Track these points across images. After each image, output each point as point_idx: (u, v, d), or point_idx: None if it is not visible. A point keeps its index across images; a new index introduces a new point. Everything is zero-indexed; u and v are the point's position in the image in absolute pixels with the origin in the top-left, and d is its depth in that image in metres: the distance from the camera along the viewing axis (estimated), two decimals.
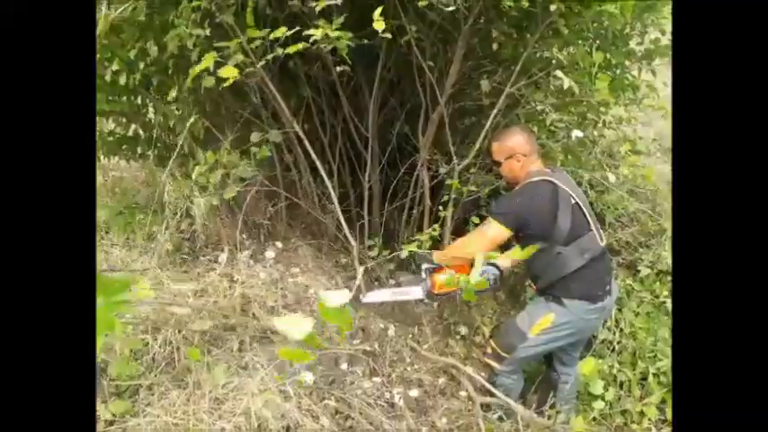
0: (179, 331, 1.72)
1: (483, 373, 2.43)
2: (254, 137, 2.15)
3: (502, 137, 2.23)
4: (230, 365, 1.76)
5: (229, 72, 1.76)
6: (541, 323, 2.08)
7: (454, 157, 2.59)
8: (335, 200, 2.55)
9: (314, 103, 2.80)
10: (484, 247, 2.08)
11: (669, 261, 2.73)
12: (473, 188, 2.62)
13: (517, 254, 2.21)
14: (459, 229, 2.89)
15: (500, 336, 2.28)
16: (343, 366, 1.95)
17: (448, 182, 2.62)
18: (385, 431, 1.73)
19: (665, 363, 2.45)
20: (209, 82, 1.94)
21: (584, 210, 2.09)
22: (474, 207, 2.96)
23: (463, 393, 2.34)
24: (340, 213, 2.63)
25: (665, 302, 2.65)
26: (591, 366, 1.85)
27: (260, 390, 1.62)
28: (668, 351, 2.49)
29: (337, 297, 1.08)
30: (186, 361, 1.65)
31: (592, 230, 2.08)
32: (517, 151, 2.14)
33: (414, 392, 2.14)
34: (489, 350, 2.28)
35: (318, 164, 2.54)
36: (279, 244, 2.72)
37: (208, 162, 2.13)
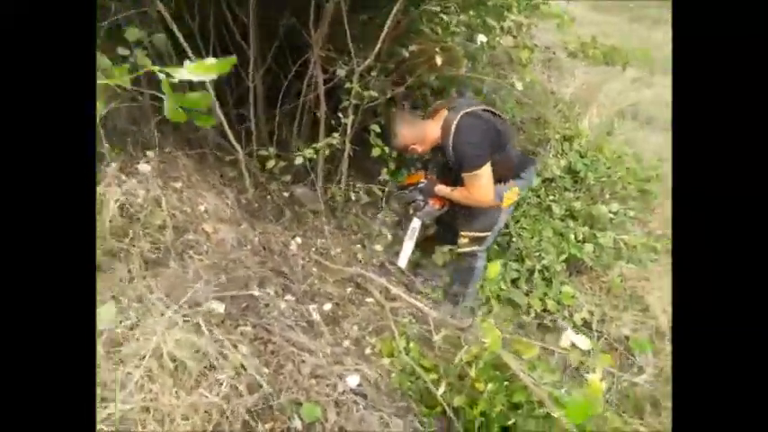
0: None
1: (385, 279, 2.50)
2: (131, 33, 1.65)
3: (393, 139, 2.55)
4: (120, 300, 1.48)
5: None
6: (509, 195, 2.47)
7: (353, 57, 2.36)
8: (214, 97, 2.19)
9: None
10: (491, 193, 2.39)
11: (554, 170, 3.00)
12: (374, 93, 2.45)
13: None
14: (359, 137, 2.74)
15: (474, 221, 2.57)
16: (255, 291, 1.78)
17: (347, 85, 2.41)
18: (308, 350, 1.65)
19: (548, 259, 2.74)
20: None
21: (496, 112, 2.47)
22: (373, 115, 2.80)
23: (371, 300, 2.37)
24: (221, 115, 2.28)
25: (549, 206, 2.93)
26: (496, 269, 2.00)
27: (166, 328, 1.39)
28: (551, 249, 2.77)
29: None
30: None
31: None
32: (410, 142, 2.51)
33: (327, 306, 2.07)
34: (464, 240, 2.59)
35: (190, 53, 2.12)
36: (151, 153, 2.29)
37: None
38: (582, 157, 3.15)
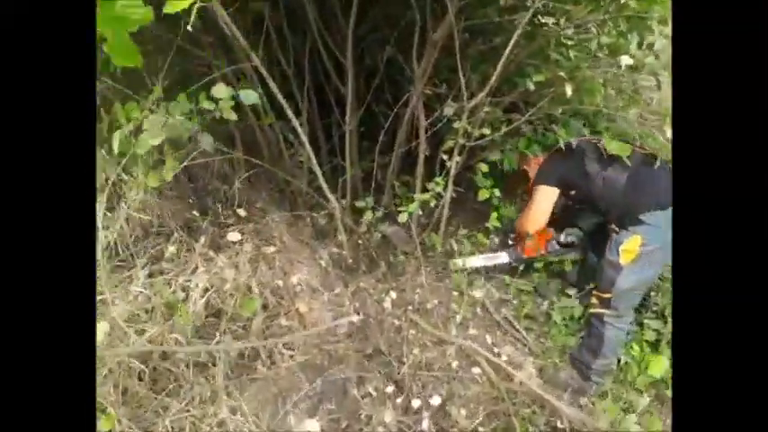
0: None
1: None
2: (219, 90, 1.44)
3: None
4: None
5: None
6: (628, 248, 1.99)
7: (464, 91, 1.99)
8: (309, 148, 1.95)
9: (272, 25, 2.07)
10: (546, 214, 2.18)
11: None
12: (485, 131, 2.07)
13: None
14: (462, 178, 2.38)
15: (599, 281, 2.18)
16: (353, 392, 1.50)
17: (456, 124, 2.05)
18: None
19: None
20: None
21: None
22: (479, 151, 2.43)
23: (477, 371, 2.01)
24: (316, 165, 2.03)
25: None
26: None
27: None
28: None
29: None
30: None
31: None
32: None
33: (435, 400, 1.74)
34: (594, 300, 2.20)
35: (283, 102, 1.88)
36: (242, 212, 2.12)
37: (128, 118, 1.43)
38: None
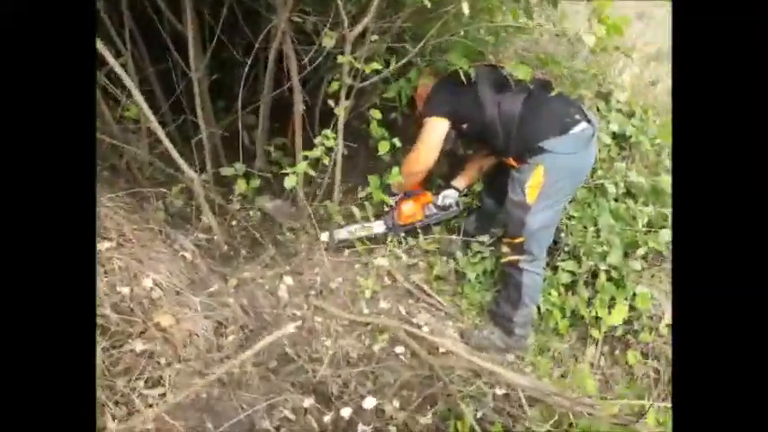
0: None
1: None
2: None
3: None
4: None
5: None
6: (533, 182, 1.84)
7: (343, 16, 1.57)
8: (142, 102, 1.39)
9: None
10: (435, 151, 1.97)
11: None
12: (376, 66, 1.68)
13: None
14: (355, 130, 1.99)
15: (507, 226, 2.03)
16: (265, 425, 1.04)
17: (340, 59, 1.63)
18: None
19: (615, 255, 2.10)
20: None
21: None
22: (369, 93, 2.06)
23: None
24: (157, 125, 1.47)
25: (601, 185, 2.26)
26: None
27: None
28: (616, 240, 2.13)
29: None
30: None
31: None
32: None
33: (369, 402, 1.37)
34: (505, 248, 2.03)
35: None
36: None
37: None
38: (629, 117, 2.52)
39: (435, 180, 2.47)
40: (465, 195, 2.41)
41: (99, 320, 1.12)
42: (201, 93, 1.74)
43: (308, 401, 1.26)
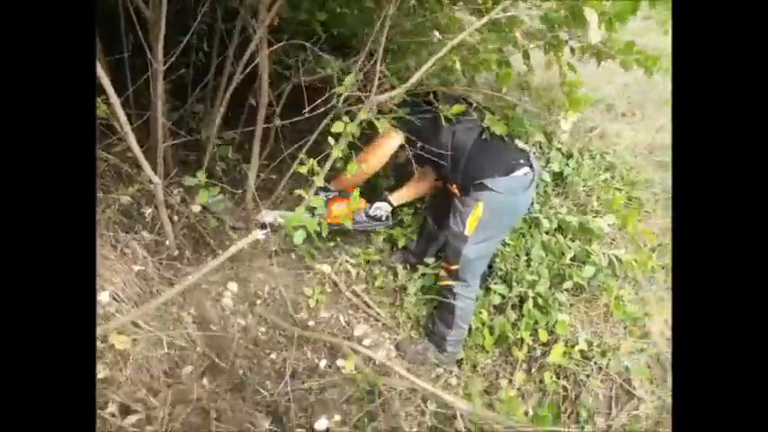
0: None
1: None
2: None
3: None
4: None
5: None
6: (473, 216, 1.94)
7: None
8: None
9: None
10: (383, 160, 2.06)
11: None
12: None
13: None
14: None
15: (446, 252, 2.11)
16: None
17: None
18: None
19: (542, 285, 2.29)
20: None
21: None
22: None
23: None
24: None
25: (537, 218, 2.45)
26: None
27: None
28: (545, 271, 2.33)
29: None
30: None
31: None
32: None
33: (321, 424, 1.43)
34: (442, 272, 2.15)
35: None
36: None
37: None
38: (567, 157, 2.73)
39: (378, 187, 2.52)
40: (414, 213, 2.51)
41: None
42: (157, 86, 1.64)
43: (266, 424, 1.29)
